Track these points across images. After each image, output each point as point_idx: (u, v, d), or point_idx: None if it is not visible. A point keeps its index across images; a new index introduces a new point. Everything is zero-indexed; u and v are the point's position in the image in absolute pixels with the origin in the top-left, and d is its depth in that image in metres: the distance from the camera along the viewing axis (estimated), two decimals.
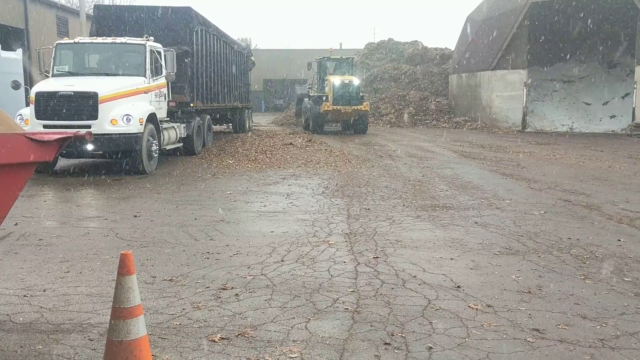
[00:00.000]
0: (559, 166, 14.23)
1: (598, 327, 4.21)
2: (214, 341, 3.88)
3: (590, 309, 4.57)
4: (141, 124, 12.00)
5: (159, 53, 13.73)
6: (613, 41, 28.15)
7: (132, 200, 9.29)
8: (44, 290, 4.89)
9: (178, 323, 4.19)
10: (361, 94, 24.21)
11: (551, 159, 15.65)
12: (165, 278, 5.24)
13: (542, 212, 8.51)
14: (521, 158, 15.91)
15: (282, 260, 5.85)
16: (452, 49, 35.80)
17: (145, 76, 13.00)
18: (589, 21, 27.35)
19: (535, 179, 11.98)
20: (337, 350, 3.78)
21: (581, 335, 4.05)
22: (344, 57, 26.61)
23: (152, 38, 13.73)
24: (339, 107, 22.76)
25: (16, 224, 7.39)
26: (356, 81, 23.89)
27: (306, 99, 26.54)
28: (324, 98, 23.47)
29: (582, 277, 5.39)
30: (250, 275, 5.34)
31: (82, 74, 13.04)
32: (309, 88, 27.26)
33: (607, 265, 5.82)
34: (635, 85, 25.03)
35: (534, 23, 27.55)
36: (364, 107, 23.29)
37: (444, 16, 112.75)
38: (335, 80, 23.40)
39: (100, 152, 12.08)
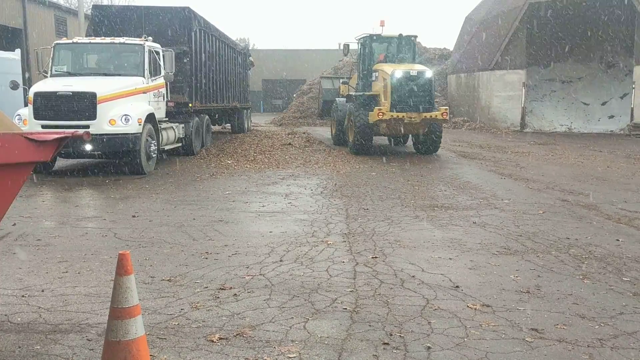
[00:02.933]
0: (558, 166, 14.23)
1: (596, 326, 4.21)
2: (213, 341, 3.88)
3: (589, 309, 4.57)
4: (140, 124, 11.99)
5: (158, 53, 13.72)
6: (611, 41, 28.18)
7: (131, 201, 9.28)
8: (42, 291, 4.88)
9: (176, 323, 4.19)
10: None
11: (550, 159, 15.66)
12: (163, 278, 5.24)
13: (541, 212, 8.51)
14: (520, 158, 15.91)
15: (280, 260, 5.84)
16: (451, 49, 35.82)
17: (143, 76, 12.98)
18: (588, 21, 27.37)
19: (534, 179, 11.98)
20: (336, 350, 3.78)
21: (580, 335, 4.05)
22: (403, 34, 17.14)
23: (150, 38, 13.72)
24: (401, 115, 14.92)
25: (14, 224, 7.38)
26: (428, 73, 15.61)
27: (339, 100, 18.76)
28: (373, 100, 16.05)
29: (581, 277, 5.39)
30: (248, 275, 5.33)
31: (81, 74, 13.02)
32: (343, 83, 19.28)
33: (606, 264, 5.82)
34: (633, 86, 25.06)
35: (533, 23, 27.56)
36: (441, 114, 15.15)
37: (443, 16, 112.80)
38: (395, 71, 15.30)
39: (99, 152, 12.06)
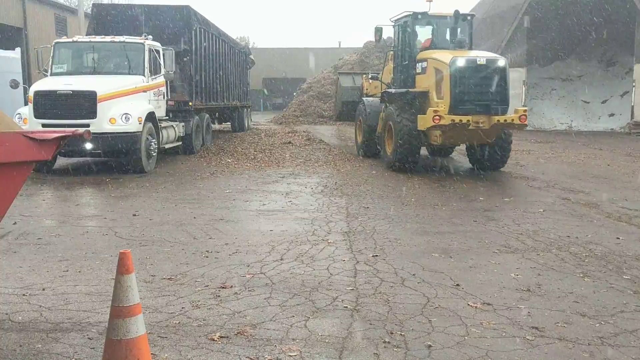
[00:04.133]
0: (558, 164, 14.23)
1: (597, 325, 4.22)
2: (213, 340, 3.88)
3: (589, 307, 4.57)
4: (140, 123, 11.98)
5: (158, 52, 13.71)
6: (612, 39, 28.15)
7: (131, 199, 9.28)
8: (43, 289, 4.88)
9: (177, 322, 4.19)
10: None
11: (550, 157, 15.65)
12: (164, 277, 5.24)
13: (541, 210, 8.51)
14: (520, 156, 15.89)
15: (281, 259, 5.84)
16: None
17: (144, 75, 12.97)
18: (588, 19, 27.34)
19: (534, 177, 11.98)
20: (337, 348, 3.78)
21: (580, 333, 4.06)
22: (460, 12, 12.90)
23: (150, 37, 13.71)
24: (465, 119, 10.99)
25: (15, 223, 7.38)
26: (501, 61, 11.62)
27: (368, 100, 15.00)
28: (421, 100, 12.24)
29: (581, 275, 5.39)
30: (249, 274, 5.34)
31: (81, 73, 13.02)
32: (372, 78, 15.75)
33: (606, 263, 5.82)
34: (634, 84, 25.04)
35: (533, 21, 27.54)
36: (519, 117, 11.23)
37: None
38: (456, 60, 11.35)
39: (99, 151, 12.05)
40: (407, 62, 13.08)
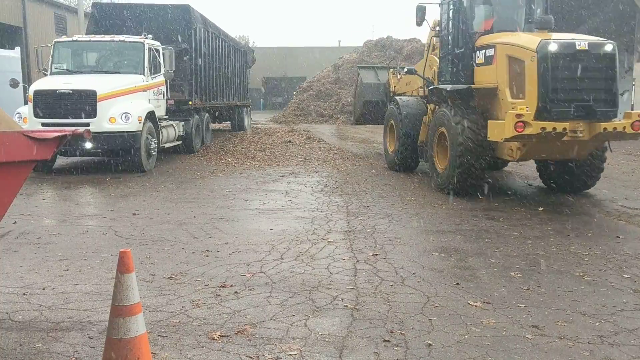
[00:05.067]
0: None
1: (597, 323, 4.22)
2: (214, 339, 3.88)
3: (589, 306, 4.57)
4: (140, 122, 11.99)
5: (158, 51, 13.71)
6: (611, 38, 28.13)
7: (131, 198, 9.28)
8: (43, 289, 4.89)
9: (177, 321, 4.19)
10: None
11: None
12: (164, 276, 5.24)
13: (540, 209, 8.50)
14: None
15: (281, 258, 5.85)
16: None
17: (143, 74, 12.98)
18: (587, 18, 27.32)
19: (534, 175, 11.97)
20: (337, 347, 3.78)
21: (580, 332, 4.06)
22: None
23: (150, 36, 13.71)
24: (561, 126, 8.04)
25: (15, 222, 7.38)
26: (609, 46, 8.60)
27: (404, 99, 12.41)
28: (487, 99, 9.42)
29: (581, 274, 5.39)
30: (249, 273, 5.34)
31: (81, 72, 13.03)
32: (408, 72, 12.60)
33: (606, 262, 5.82)
34: (633, 83, 25.04)
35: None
36: (631, 124, 8.46)
37: None
38: (548, 45, 8.29)
39: (99, 150, 12.06)
40: (461, 50, 9.96)
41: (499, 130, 8.42)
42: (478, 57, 9.68)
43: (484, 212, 8.24)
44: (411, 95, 12.78)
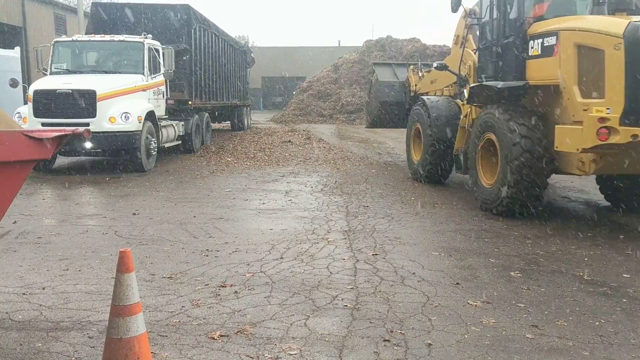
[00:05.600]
0: None
1: (597, 323, 4.22)
2: (214, 338, 3.88)
3: (589, 306, 4.57)
4: (140, 122, 12.00)
5: (157, 51, 13.71)
6: None
7: (131, 198, 9.28)
8: (43, 288, 4.88)
9: (177, 320, 4.19)
10: None
11: None
12: (164, 275, 5.24)
13: (541, 208, 8.50)
14: None
15: (281, 258, 5.85)
16: (451, 46, 35.76)
17: (143, 74, 12.98)
18: None
19: None
20: (337, 347, 3.78)
21: (580, 331, 4.06)
22: None
23: (150, 36, 13.72)
24: None
25: (15, 222, 7.38)
26: None
27: (433, 100, 10.88)
28: (546, 99, 7.76)
29: (581, 274, 5.39)
30: (249, 273, 5.34)
31: (80, 72, 13.04)
32: (439, 67, 10.56)
33: (607, 261, 5.82)
34: None
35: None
36: None
37: (443, 13, 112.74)
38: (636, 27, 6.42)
39: (99, 150, 12.07)
40: (509, 40, 8.28)
41: (573, 138, 6.72)
42: (532, 47, 7.95)
43: (483, 212, 8.24)
44: (435, 95, 11.37)
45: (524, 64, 8.11)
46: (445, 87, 11.07)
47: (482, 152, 8.38)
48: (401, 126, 13.29)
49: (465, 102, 9.39)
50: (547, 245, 6.42)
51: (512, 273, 5.40)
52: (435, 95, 11.43)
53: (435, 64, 10.54)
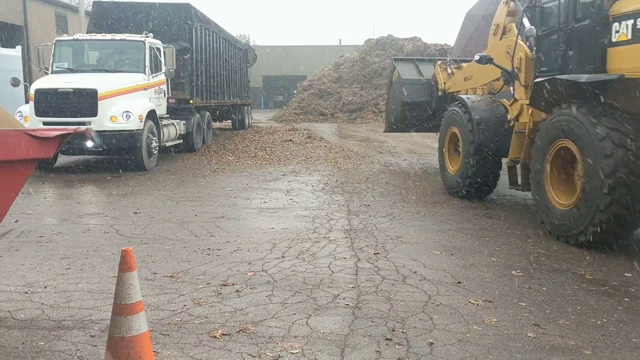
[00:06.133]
0: None
1: (599, 322, 4.22)
2: (215, 337, 3.88)
3: (591, 305, 4.57)
4: (141, 121, 12.01)
5: (159, 50, 13.72)
6: None
7: (132, 197, 9.29)
8: (45, 287, 4.89)
9: (179, 319, 4.20)
10: None
11: None
12: (166, 274, 5.25)
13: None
14: None
15: (282, 257, 5.85)
16: (452, 45, 35.76)
17: (144, 73, 12.99)
18: None
19: None
20: (338, 345, 3.78)
21: (582, 330, 4.06)
22: None
23: (151, 35, 13.72)
24: None
25: (17, 221, 7.39)
26: None
27: (472, 99, 9.26)
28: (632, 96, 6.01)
29: (583, 273, 5.39)
30: (250, 272, 5.34)
31: (82, 71, 13.05)
32: (482, 60, 8.46)
33: (609, 261, 5.82)
34: None
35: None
36: None
37: (444, 12, 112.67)
38: None
39: (100, 149, 12.08)
40: (584, 23, 6.75)
41: None
42: (616, 31, 6.36)
43: (485, 211, 8.23)
44: (474, 95, 9.76)
45: (604, 52, 6.45)
46: (485, 85, 9.63)
47: (554, 164, 6.70)
48: (426, 130, 12.53)
49: (514, 101, 8.19)
50: (549, 244, 6.42)
51: (514, 272, 5.40)
52: (466, 94, 10.00)
53: (476, 57, 8.63)
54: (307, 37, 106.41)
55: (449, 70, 11.39)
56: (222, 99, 19.54)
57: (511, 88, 8.40)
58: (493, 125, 8.65)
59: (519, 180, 7.84)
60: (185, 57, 15.31)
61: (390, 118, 13.36)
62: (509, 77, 8.40)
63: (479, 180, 8.84)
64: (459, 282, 5.07)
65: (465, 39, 32.25)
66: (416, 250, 6.16)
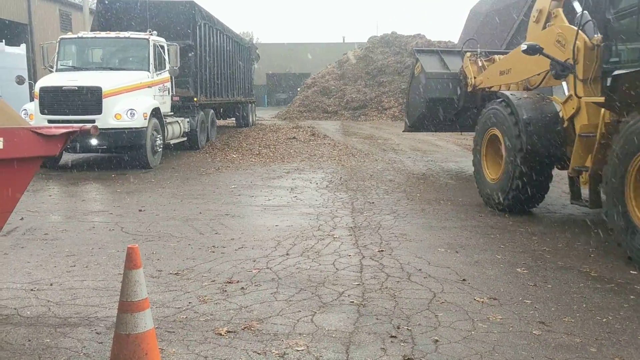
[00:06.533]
0: None
1: (604, 320, 4.21)
2: (221, 334, 3.89)
3: (596, 302, 4.56)
4: (145, 119, 12.02)
5: (163, 47, 13.73)
6: None
7: (137, 195, 9.31)
8: (51, 284, 4.91)
9: (184, 316, 4.21)
10: None
11: None
12: (171, 272, 5.26)
13: (547, 205, 8.48)
14: None
15: (287, 254, 5.85)
16: (456, 42, 35.68)
17: (148, 70, 13.01)
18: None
19: None
20: (343, 343, 3.79)
21: (587, 328, 4.05)
22: None
23: (155, 32, 13.73)
24: None
25: (22, 219, 7.41)
26: None
27: (516, 96, 7.90)
28: None
29: (588, 270, 5.38)
30: (255, 269, 5.35)
31: (86, 69, 13.08)
32: (530, 50, 7.21)
33: (614, 259, 5.80)
34: None
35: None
36: None
37: (448, 9, 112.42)
38: None
39: (105, 147, 12.11)
40: None
41: None
42: None
43: (489, 209, 8.22)
44: (518, 91, 8.52)
45: None
46: (521, 80, 8.67)
47: (637, 177, 5.45)
48: (450, 130, 11.74)
49: (568, 97, 7.08)
50: (554, 242, 6.40)
51: (519, 269, 5.39)
52: (499, 89, 9.01)
53: (523, 46, 7.40)
54: (311, 34, 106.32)
55: (480, 63, 10.28)
56: (226, 97, 19.55)
57: (563, 83, 7.39)
58: (544, 127, 7.35)
59: (589, 196, 6.48)
60: (189, 54, 15.32)
61: (411, 116, 12.11)
62: (562, 70, 7.13)
63: (525, 193, 7.51)
64: (463, 280, 5.07)
65: (469, 36, 32.12)
66: (421, 247, 6.15)
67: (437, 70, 11.19)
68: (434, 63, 11.51)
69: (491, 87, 9.60)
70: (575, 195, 6.94)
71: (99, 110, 11.63)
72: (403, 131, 13.23)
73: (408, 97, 12.36)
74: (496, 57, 9.97)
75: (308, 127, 22.42)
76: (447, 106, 10.93)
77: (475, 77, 10.25)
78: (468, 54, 10.67)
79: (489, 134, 8.39)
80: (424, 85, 11.11)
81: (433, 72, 11.12)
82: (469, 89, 10.40)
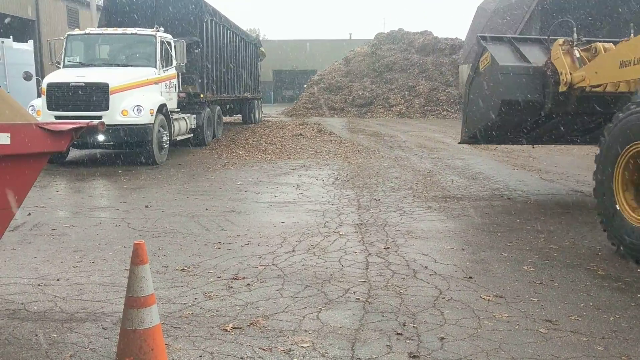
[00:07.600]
0: (571, 157, 14.12)
1: (611, 318, 4.18)
2: (226, 330, 3.90)
3: (603, 301, 4.54)
4: (152, 115, 12.05)
5: (169, 44, 13.74)
6: (624, 30, 27.74)
7: (144, 191, 9.33)
8: (58, 280, 4.93)
9: (190, 312, 4.22)
10: None
11: (562, 150, 15.53)
12: (177, 268, 5.27)
13: (554, 203, 8.45)
14: (532, 149, 15.80)
15: (293, 251, 5.86)
16: (463, 39, 35.55)
17: (155, 67, 13.03)
18: (604, 8, 26.93)
19: (547, 169, 11.90)
20: (349, 340, 3.79)
21: (594, 326, 4.03)
22: None
23: (162, 29, 13.75)
24: None
25: (29, 214, 7.45)
26: None
27: None
28: None
29: (595, 268, 5.35)
30: (261, 265, 5.35)
31: (93, 65, 13.12)
32: None
33: (619, 257, 5.77)
34: None
35: (546, 13, 27.22)
36: None
37: (455, 6, 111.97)
38: None
39: (112, 143, 12.16)
40: None
41: None
42: None
43: (496, 206, 8.19)
44: (618, 91, 7.03)
45: None
46: None
47: None
48: (530, 142, 9.50)
49: None
50: (561, 240, 6.38)
51: (525, 267, 5.37)
52: (616, 90, 7.20)
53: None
54: (318, 31, 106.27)
55: (577, 54, 7.74)
56: (232, 93, 19.57)
57: None
58: None
59: None
60: (196, 51, 15.34)
61: (472, 125, 9.09)
62: None
63: None
64: (470, 277, 5.05)
65: (476, 33, 31.98)
66: (427, 245, 6.14)
67: (515, 64, 8.17)
68: (507, 54, 8.45)
69: (600, 85, 7.27)
70: None
71: (106, 107, 11.67)
72: (459, 143, 10.31)
73: (467, 100, 9.26)
74: (600, 44, 7.43)
75: (314, 123, 22.41)
76: (528, 112, 8.10)
77: (569, 73, 7.57)
78: (560, 40, 7.92)
79: (629, 153, 5.73)
80: (497, 83, 8.14)
81: (509, 65, 8.08)
82: (562, 88, 7.66)
